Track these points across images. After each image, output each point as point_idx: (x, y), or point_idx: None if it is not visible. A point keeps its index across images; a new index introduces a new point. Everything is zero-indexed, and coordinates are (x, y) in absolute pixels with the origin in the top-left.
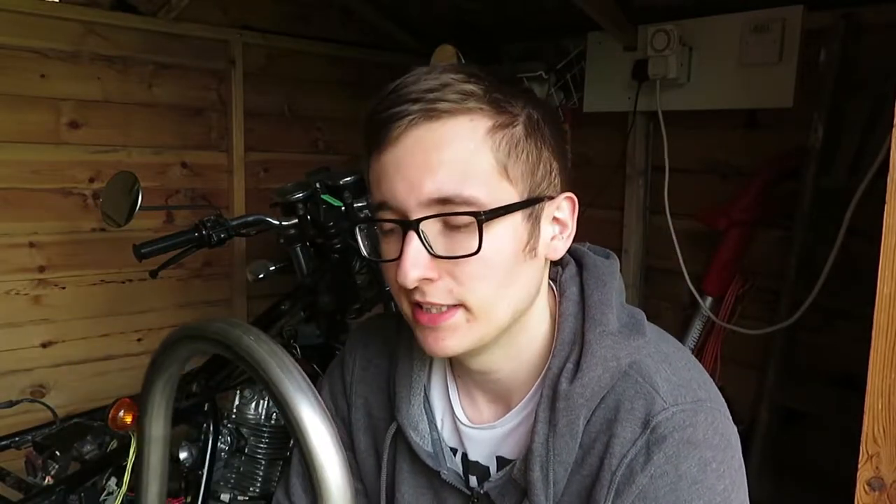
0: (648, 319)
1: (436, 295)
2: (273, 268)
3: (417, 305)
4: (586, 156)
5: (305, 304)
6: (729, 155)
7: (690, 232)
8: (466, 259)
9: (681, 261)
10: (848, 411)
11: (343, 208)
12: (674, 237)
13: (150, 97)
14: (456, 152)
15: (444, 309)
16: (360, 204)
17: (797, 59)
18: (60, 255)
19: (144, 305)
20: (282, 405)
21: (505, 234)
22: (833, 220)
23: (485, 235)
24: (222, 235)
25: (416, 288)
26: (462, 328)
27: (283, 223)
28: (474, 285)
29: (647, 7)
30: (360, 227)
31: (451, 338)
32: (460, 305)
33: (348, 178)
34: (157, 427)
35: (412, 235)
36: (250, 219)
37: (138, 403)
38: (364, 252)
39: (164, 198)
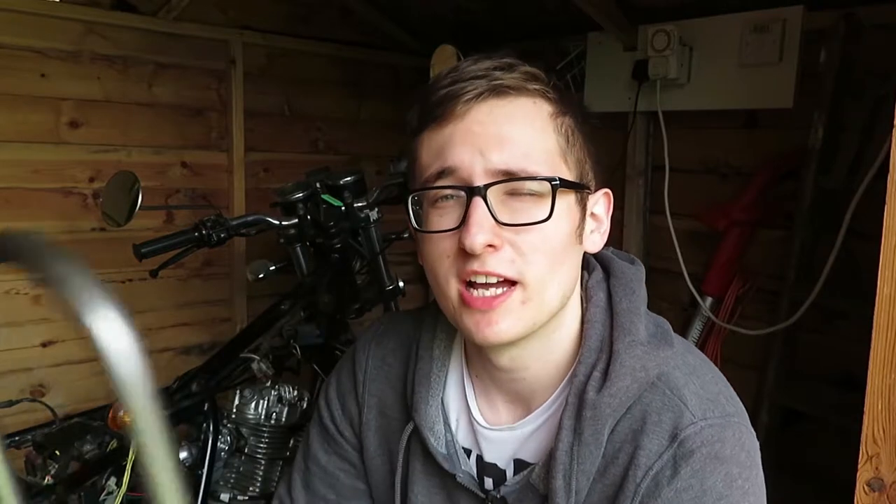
0: None
1: (498, 265)
2: (273, 268)
3: (469, 288)
4: (588, 158)
5: (305, 304)
6: (729, 155)
7: (690, 232)
8: (530, 229)
9: (681, 261)
10: (848, 411)
11: (343, 208)
12: (674, 237)
13: (150, 97)
14: (524, 128)
15: (499, 291)
16: (359, 204)
17: (797, 60)
18: None
19: (144, 305)
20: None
21: (564, 210)
22: (833, 220)
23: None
24: (222, 235)
25: (474, 258)
26: (516, 311)
27: (283, 223)
28: (535, 258)
29: (647, 7)
30: (412, 197)
31: (505, 321)
32: (516, 283)
33: (348, 178)
34: None
35: (478, 201)
36: (250, 219)
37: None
38: (413, 224)
39: (164, 198)
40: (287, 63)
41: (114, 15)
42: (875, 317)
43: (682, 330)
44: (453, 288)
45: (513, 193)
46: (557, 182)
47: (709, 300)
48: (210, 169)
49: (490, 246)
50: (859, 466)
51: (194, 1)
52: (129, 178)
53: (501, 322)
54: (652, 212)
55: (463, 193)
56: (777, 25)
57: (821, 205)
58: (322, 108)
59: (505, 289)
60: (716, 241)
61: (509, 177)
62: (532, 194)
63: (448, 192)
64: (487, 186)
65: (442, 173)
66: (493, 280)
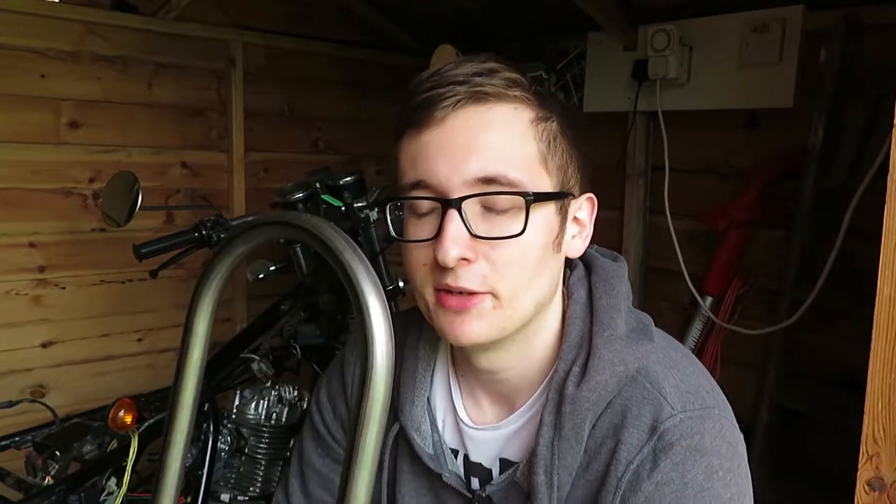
0: None
1: (470, 280)
2: (273, 268)
3: (444, 291)
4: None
5: (305, 304)
6: (729, 155)
7: (690, 232)
8: (505, 242)
9: (681, 261)
10: (848, 411)
11: (343, 208)
12: (674, 237)
13: (150, 97)
14: (503, 136)
15: (472, 294)
16: (359, 204)
17: (797, 59)
18: (60, 255)
19: (144, 305)
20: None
21: (541, 222)
22: (833, 220)
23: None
24: (222, 235)
25: (448, 271)
26: (488, 314)
27: None
28: (508, 271)
29: (647, 7)
30: (390, 206)
31: (477, 323)
32: (489, 293)
33: (348, 178)
34: (203, 323)
35: (453, 214)
36: (250, 219)
37: (137, 403)
38: (392, 231)
39: (164, 198)
40: (287, 63)
41: (114, 15)
42: (875, 317)
43: (682, 330)
44: (429, 293)
45: (489, 205)
46: (531, 197)
47: (709, 300)
48: (210, 169)
49: (464, 259)
50: (859, 466)
51: (194, 1)
52: (129, 179)
53: (474, 324)
54: (652, 212)
55: (439, 205)
56: (777, 25)
57: (821, 205)
58: (322, 108)
59: (478, 294)
60: (716, 241)
61: (486, 185)
62: (509, 206)
63: (424, 203)
64: (462, 199)
65: (418, 184)
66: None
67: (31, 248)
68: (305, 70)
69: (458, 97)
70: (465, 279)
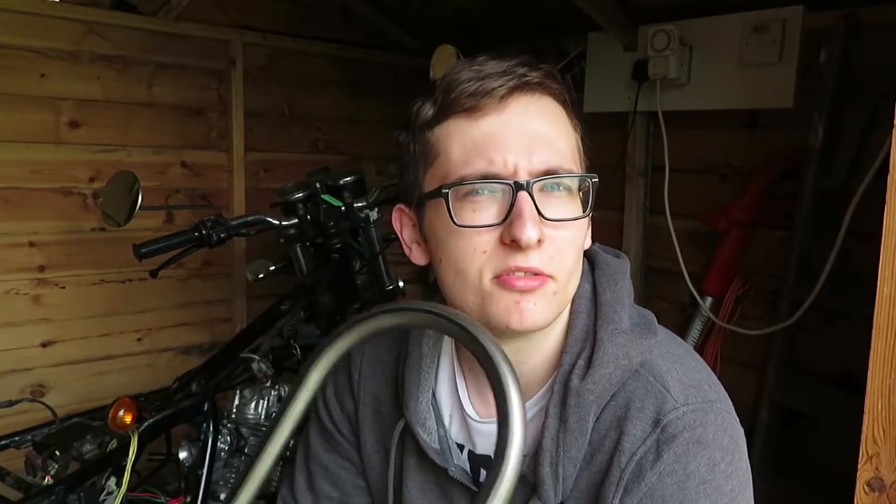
0: None
1: (539, 261)
2: (273, 268)
3: (507, 275)
4: (586, 156)
5: (305, 304)
6: (729, 155)
7: (690, 232)
8: (565, 225)
9: (681, 261)
10: (848, 411)
11: (343, 208)
12: (674, 237)
13: (150, 97)
14: (555, 126)
15: (535, 281)
16: (359, 204)
17: (797, 60)
18: (60, 254)
19: (144, 305)
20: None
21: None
22: (833, 220)
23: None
24: (222, 235)
25: (519, 253)
26: (549, 298)
27: (283, 223)
28: (568, 253)
29: (647, 7)
30: (450, 191)
31: (540, 304)
32: (550, 277)
33: (348, 178)
34: (318, 374)
35: (525, 196)
36: (250, 219)
37: (137, 403)
38: (454, 218)
39: (164, 198)
40: (287, 63)
41: (114, 15)
42: (875, 317)
43: (682, 330)
44: (486, 280)
45: (545, 190)
46: (597, 179)
47: (709, 300)
48: (210, 169)
49: (538, 240)
50: (859, 466)
51: (194, 1)
52: (129, 178)
53: (538, 305)
54: (652, 212)
55: (504, 188)
56: (777, 25)
57: (821, 205)
58: (322, 108)
59: (542, 276)
60: (716, 241)
61: (550, 173)
62: (566, 191)
63: (492, 185)
64: (534, 182)
65: (485, 169)
66: (532, 275)
67: (31, 247)
68: (305, 70)
69: (510, 85)
70: (534, 260)
